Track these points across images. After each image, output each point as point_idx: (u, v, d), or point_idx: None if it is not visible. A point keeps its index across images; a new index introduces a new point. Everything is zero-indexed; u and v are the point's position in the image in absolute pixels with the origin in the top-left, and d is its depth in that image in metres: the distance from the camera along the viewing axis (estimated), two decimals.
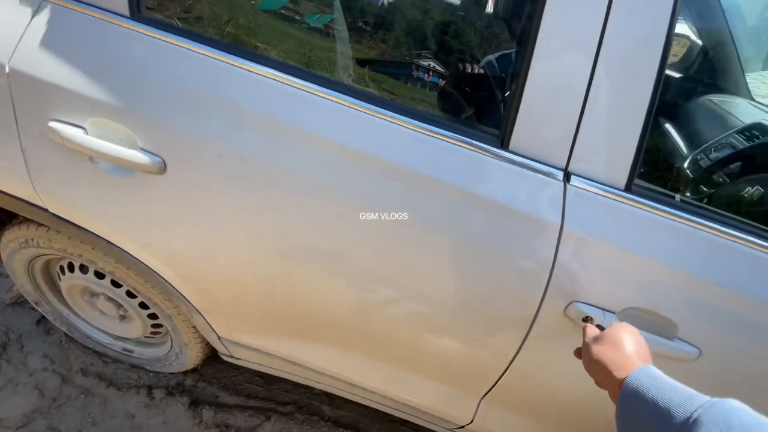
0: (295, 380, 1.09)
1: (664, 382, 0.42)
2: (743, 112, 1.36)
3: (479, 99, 0.80)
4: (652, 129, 1.53)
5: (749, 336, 0.66)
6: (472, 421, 0.96)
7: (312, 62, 0.81)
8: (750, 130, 1.23)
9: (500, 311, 0.73)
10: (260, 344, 0.97)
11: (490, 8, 1.01)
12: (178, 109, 0.68)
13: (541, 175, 0.65)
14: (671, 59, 1.65)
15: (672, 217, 0.64)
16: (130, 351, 1.22)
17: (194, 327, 1.02)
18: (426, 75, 0.86)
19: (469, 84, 0.84)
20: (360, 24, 0.89)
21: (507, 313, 0.73)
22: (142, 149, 0.70)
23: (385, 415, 1.26)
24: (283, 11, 0.85)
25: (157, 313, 1.04)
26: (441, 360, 0.85)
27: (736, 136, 1.23)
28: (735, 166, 1.12)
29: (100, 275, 1.01)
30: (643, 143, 0.62)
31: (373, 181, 0.68)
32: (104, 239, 0.81)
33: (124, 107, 0.69)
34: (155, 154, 0.70)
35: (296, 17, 0.87)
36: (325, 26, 0.85)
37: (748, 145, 1.13)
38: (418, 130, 0.67)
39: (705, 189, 1.11)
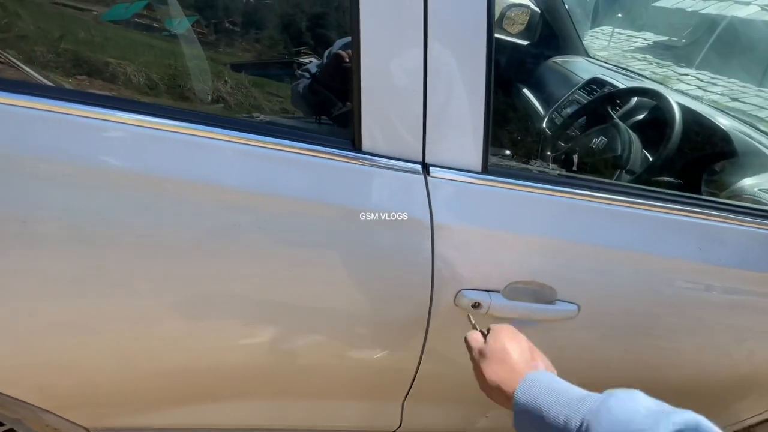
0: None
1: (549, 388, 0.41)
2: (583, 69, 1.51)
3: (325, 100, 0.73)
4: (507, 98, 1.62)
5: (617, 284, 0.71)
6: (400, 425, 0.94)
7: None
8: (589, 85, 1.36)
9: (395, 316, 0.70)
10: (145, 423, 0.82)
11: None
12: None
13: (401, 173, 0.61)
14: (518, 28, 1.77)
15: (529, 189, 0.65)
16: None
17: (53, 427, 0.82)
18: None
19: (313, 85, 0.77)
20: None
21: (402, 316, 0.70)
22: None
23: None
24: (137, 19, 0.71)
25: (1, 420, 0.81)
26: (353, 378, 0.81)
27: (579, 92, 1.36)
28: (582, 120, 1.23)
29: None
30: (489, 124, 0.60)
31: (225, 216, 0.58)
32: None
33: None
34: None
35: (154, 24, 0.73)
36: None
37: (588, 99, 1.25)
38: (261, 144, 0.58)
39: (562, 144, 1.20)
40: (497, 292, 0.67)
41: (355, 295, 0.67)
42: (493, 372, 0.48)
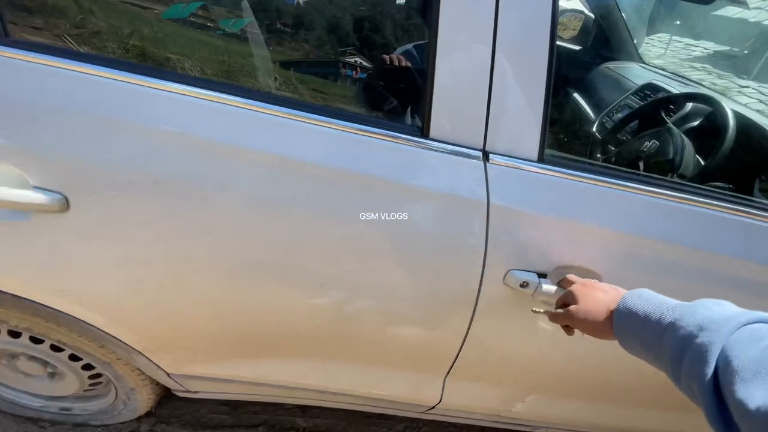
0: (262, 400, 1.06)
1: (646, 298, 0.50)
2: (636, 75, 1.51)
3: (400, 91, 0.81)
4: (558, 101, 1.65)
5: (664, 275, 0.74)
6: (441, 400, 0.99)
7: (231, 70, 0.78)
8: (643, 91, 1.37)
9: (447, 292, 0.76)
10: (216, 372, 0.93)
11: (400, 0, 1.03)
12: (73, 138, 0.62)
13: (463, 158, 0.68)
14: (570, 33, 1.78)
15: (582, 180, 0.70)
16: (69, 409, 1.10)
17: (139, 369, 0.94)
18: (353, 72, 0.87)
19: (388, 78, 0.85)
20: (278, 26, 0.87)
21: (453, 292, 0.76)
22: (35, 188, 0.63)
23: (361, 413, 1.26)
24: (193, 19, 0.80)
25: (92, 363, 0.95)
26: (400, 349, 0.87)
27: (632, 97, 1.37)
28: (634, 124, 1.24)
29: (15, 334, 0.90)
30: (547, 117, 0.66)
31: (308, 188, 0.67)
32: (9, 294, 0.72)
33: (5, 144, 0.61)
34: (54, 191, 0.63)
35: (209, 24, 0.82)
36: (241, 31, 0.82)
37: (642, 104, 1.26)
38: (344, 129, 0.67)
39: (612, 148, 1.22)
40: (544, 275, 0.72)
41: (415, 268, 0.73)
42: (594, 300, 0.56)
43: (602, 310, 0.54)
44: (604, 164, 0.78)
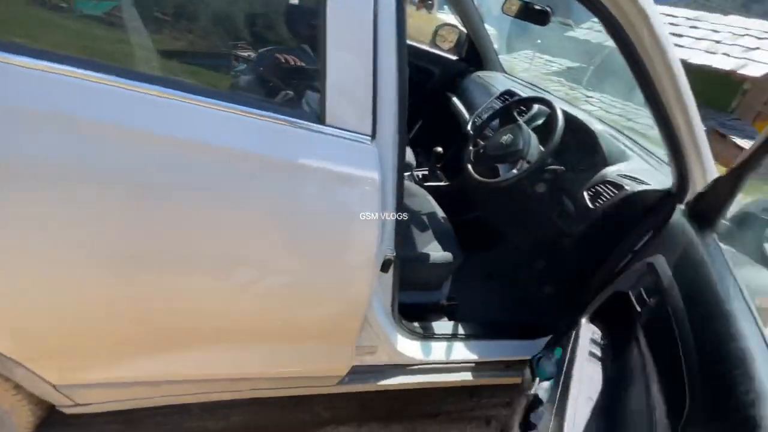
0: (164, 404, 1.02)
1: None
2: (500, 82, 1.79)
3: (298, 83, 0.86)
4: (438, 101, 1.87)
5: None
6: (354, 366, 1.06)
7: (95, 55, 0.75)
8: (503, 96, 1.65)
9: (351, 260, 0.83)
10: (112, 376, 0.87)
11: None
12: None
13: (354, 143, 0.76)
14: (448, 45, 2.02)
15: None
16: None
17: (15, 386, 0.85)
18: (242, 63, 0.88)
19: (288, 71, 0.89)
20: (155, 13, 0.85)
21: (357, 259, 0.83)
22: None
23: (277, 403, 1.28)
24: None
25: None
26: (310, 322, 0.91)
27: (495, 101, 1.63)
28: (496, 122, 1.49)
29: None
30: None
31: (203, 168, 0.68)
32: None
33: None
34: None
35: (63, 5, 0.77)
36: (107, 14, 0.78)
37: (502, 105, 1.52)
38: (248, 115, 0.69)
39: (481, 141, 1.45)
40: None
41: (319, 241, 0.79)
42: None
43: None
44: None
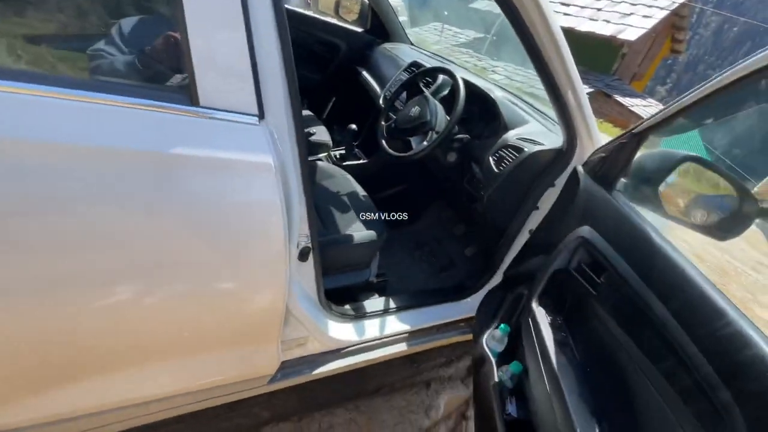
0: None
1: None
2: (407, 54, 1.79)
3: (163, 61, 0.76)
4: (346, 76, 1.82)
5: None
6: (282, 362, 1.03)
7: None
8: (410, 68, 1.65)
9: (255, 254, 0.77)
10: (11, 420, 0.74)
11: None
12: None
13: (237, 124, 0.69)
14: (352, 17, 1.97)
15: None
16: None
17: None
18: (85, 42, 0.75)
19: (148, 47, 0.78)
20: None
21: (262, 252, 0.78)
22: None
23: (208, 412, 1.20)
24: None
25: None
26: (222, 327, 0.85)
27: (403, 73, 1.63)
28: (404, 95, 1.50)
29: None
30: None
31: (57, 174, 0.58)
32: None
33: None
34: None
35: None
36: None
37: (408, 77, 1.53)
38: (91, 101, 0.60)
39: (392, 116, 1.45)
40: None
41: (216, 240, 0.72)
42: None
43: None
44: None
